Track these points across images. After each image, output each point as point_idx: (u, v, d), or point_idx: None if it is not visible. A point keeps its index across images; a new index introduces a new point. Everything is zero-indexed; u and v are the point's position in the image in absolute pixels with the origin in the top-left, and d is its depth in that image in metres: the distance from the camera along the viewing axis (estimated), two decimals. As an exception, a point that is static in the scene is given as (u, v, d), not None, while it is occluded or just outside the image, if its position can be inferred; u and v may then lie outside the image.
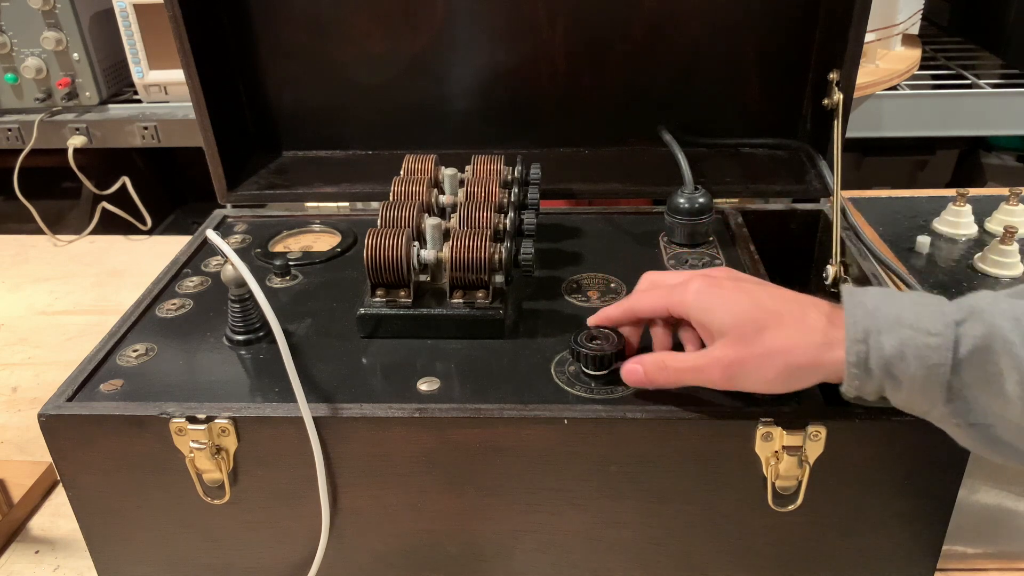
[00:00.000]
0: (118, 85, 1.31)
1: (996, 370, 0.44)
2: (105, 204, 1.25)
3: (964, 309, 0.46)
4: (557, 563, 0.59)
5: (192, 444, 0.55)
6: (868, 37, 1.01)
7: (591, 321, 0.59)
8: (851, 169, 1.38)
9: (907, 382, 0.46)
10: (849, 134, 0.82)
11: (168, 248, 0.85)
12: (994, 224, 0.76)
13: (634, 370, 0.54)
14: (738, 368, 0.50)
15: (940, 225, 0.77)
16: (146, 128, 1.24)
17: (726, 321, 0.50)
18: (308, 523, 0.58)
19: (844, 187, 0.75)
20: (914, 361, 0.45)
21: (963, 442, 0.48)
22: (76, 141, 1.25)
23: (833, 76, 0.75)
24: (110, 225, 1.26)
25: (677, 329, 0.57)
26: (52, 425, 0.56)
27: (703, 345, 0.54)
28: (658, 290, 0.56)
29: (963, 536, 0.63)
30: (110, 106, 1.27)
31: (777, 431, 0.53)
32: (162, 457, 0.56)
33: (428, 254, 0.64)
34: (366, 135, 0.92)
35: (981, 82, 1.20)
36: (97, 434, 0.56)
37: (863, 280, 0.70)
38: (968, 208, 0.76)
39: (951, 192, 0.78)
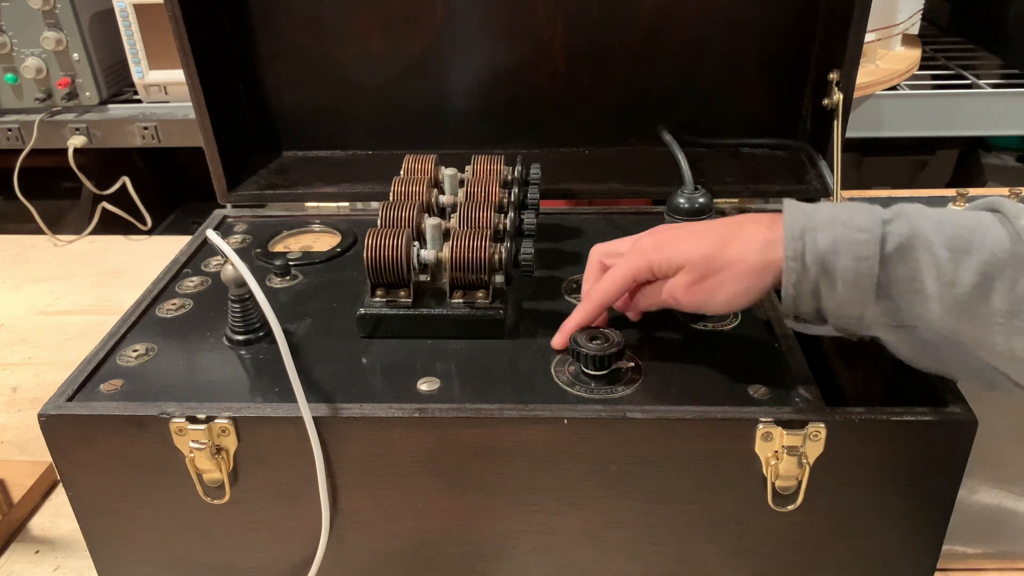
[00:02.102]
0: (118, 85, 1.31)
1: (917, 268, 0.47)
2: (105, 204, 1.25)
3: (892, 211, 0.49)
4: (557, 563, 0.59)
5: (192, 444, 0.55)
6: (868, 37, 1.01)
7: (559, 344, 0.61)
8: (851, 169, 1.38)
9: (840, 277, 0.48)
10: (849, 134, 0.82)
11: (168, 248, 0.85)
12: (994, 224, 0.75)
13: (625, 301, 0.61)
14: (699, 292, 0.54)
15: (940, 225, 0.77)
16: (146, 128, 1.24)
17: (680, 261, 0.54)
18: (308, 523, 0.58)
19: (844, 187, 0.75)
20: (846, 254, 0.48)
21: (895, 348, 0.51)
22: (76, 141, 1.25)
23: (833, 76, 0.75)
24: (110, 225, 1.26)
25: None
26: (52, 425, 0.56)
27: None
28: (615, 274, 0.58)
29: (963, 536, 0.63)
30: (110, 106, 1.27)
31: (777, 431, 0.53)
32: (162, 457, 0.56)
33: (428, 254, 0.64)
34: (366, 135, 0.92)
35: (981, 82, 1.20)
36: (97, 434, 0.56)
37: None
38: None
39: (951, 192, 0.78)
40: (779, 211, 0.52)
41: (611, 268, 0.59)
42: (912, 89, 1.18)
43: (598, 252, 0.62)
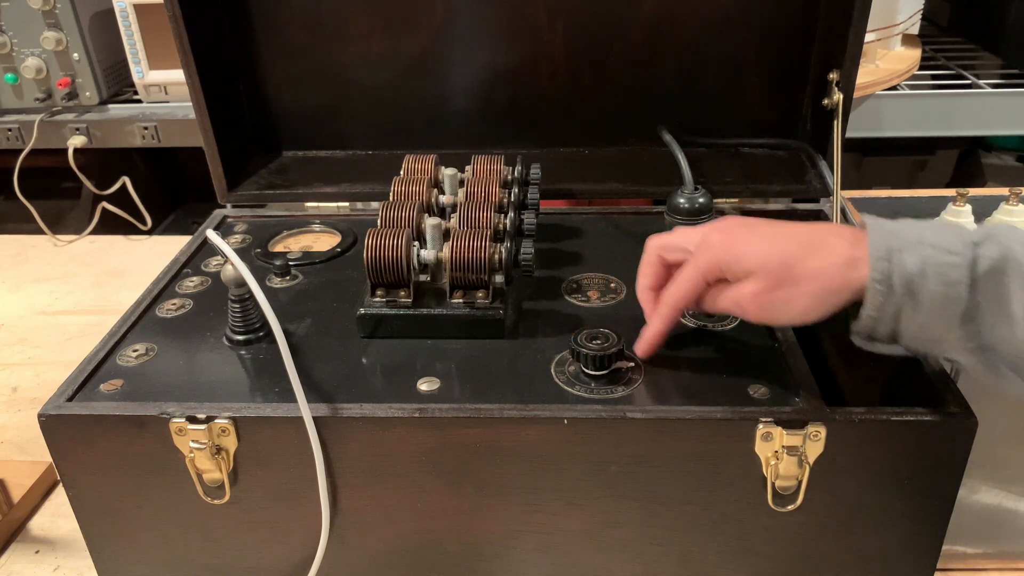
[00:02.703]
0: (118, 85, 1.31)
1: (1006, 292, 0.45)
2: (105, 204, 1.25)
3: (981, 233, 0.47)
4: (557, 563, 0.59)
5: (192, 444, 0.55)
6: (868, 37, 1.01)
7: (643, 351, 0.59)
8: (851, 169, 1.38)
9: (927, 300, 0.47)
10: (849, 134, 0.82)
11: (168, 248, 0.85)
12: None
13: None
14: (769, 302, 0.51)
15: (940, 225, 0.77)
16: (146, 128, 1.24)
17: (752, 266, 0.51)
18: (308, 523, 0.58)
19: (844, 187, 0.75)
20: (934, 278, 0.46)
21: (973, 371, 0.49)
22: (76, 141, 1.25)
23: (833, 76, 0.75)
24: (110, 225, 1.26)
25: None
26: (52, 425, 0.56)
27: None
28: (686, 278, 0.56)
29: (963, 536, 0.63)
30: (110, 106, 1.27)
31: (777, 431, 0.53)
32: (162, 457, 0.56)
33: (428, 254, 0.64)
34: (366, 135, 0.92)
35: (981, 82, 1.20)
36: (97, 434, 0.56)
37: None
38: (968, 208, 0.76)
39: (951, 192, 0.78)
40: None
41: (681, 270, 0.56)
42: (912, 89, 1.18)
43: (655, 245, 0.59)
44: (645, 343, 0.59)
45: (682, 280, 0.56)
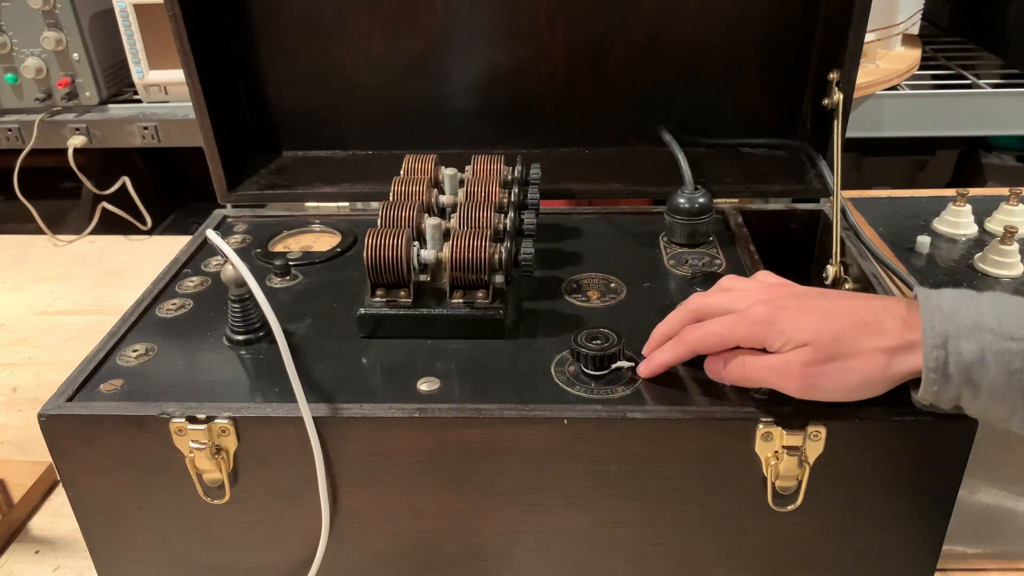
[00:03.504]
0: (118, 85, 1.31)
1: None
2: (105, 204, 1.25)
3: None
4: (557, 563, 0.59)
5: (192, 444, 0.55)
6: (868, 37, 1.01)
7: (646, 373, 0.57)
8: (851, 169, 1.38)
9: (987, 388, 0.45)
10: (849, 134, 0.82)
11: (168, 248, 0.85)
12: (994, 224, 0.76)
13: (715, 364, 0.55)
14: (817, 374, 0.49)
15: (940, 225, 0.77)
16: (146, 128, 1.24)
17: (804, 338, 0.49)
18: (308, 523, 0.58)
19: (844, 187, 0.75)
20: (995, 367, 0.45)
21: None
22: (76, 141, 1.25)
23: (833, 76, 0.75)
24: (110, 225, 1.26)
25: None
26: (52, 425, 0.56)
27: None
28: (719, 330, 0.54)
29: (963, 536, 0.63)
30: (110, 106, 1.27)
31: (777, 431, 0.53)
32: (162, 457, 0.56)
33: (428, 254, 0.64)
34: (366, 135, 0.92)
35: (981, 82, 1.20)
36: (97, 434, 0.56)
37: (863, 280, 0.70)
38: (968, 208, 0.76)
39: (951, 192, 0.78)
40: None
41: (717, 321, 0.54)
42: (912, 89, 1.18)
43: (696, 305, 0.57)
44: (652, 366, 0.57)
45: (713, 330, 0.54)
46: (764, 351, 0.52)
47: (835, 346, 0.48)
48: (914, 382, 0.49)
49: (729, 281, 0.58)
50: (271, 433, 0.56)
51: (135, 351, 0.63)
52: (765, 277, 0.58)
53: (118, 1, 1.16)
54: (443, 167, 0.75)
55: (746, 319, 0.52)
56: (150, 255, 1.19)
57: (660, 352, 0.57)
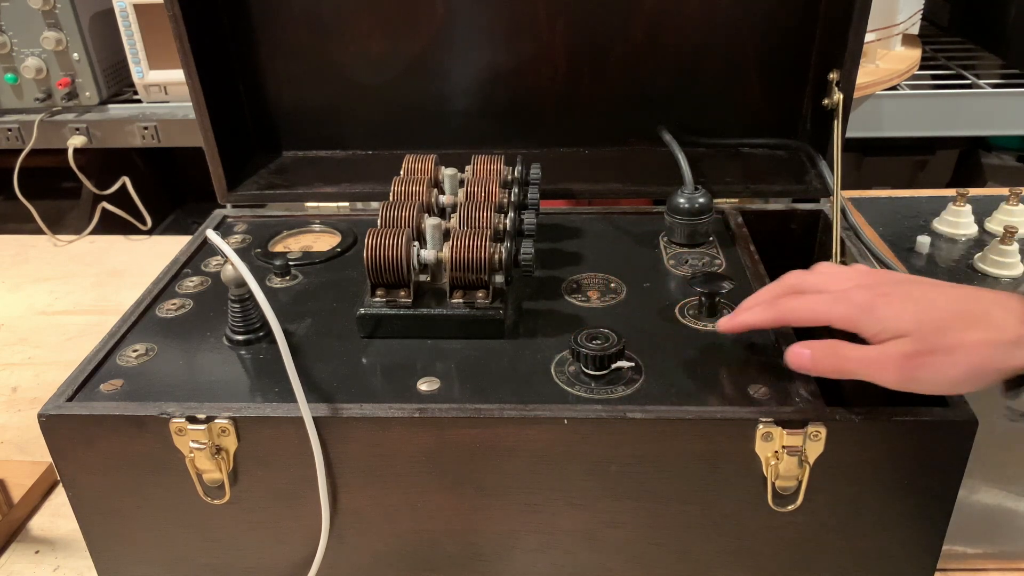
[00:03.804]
0: (118, 85, 1.31)
1: None
2: (105, 204, 1.25)
3: None
4: (557, 563, 0.59)
5: (192, 444, 0.55)
6: (868, 37, 1.01)
7: (725, 326, 0.56)
8: (851, 169, 1.38)
9: None
10: (849, 134, 0.82)
11: (168, 248, 0.85)
12: (994, 224, 0.76)
13: (800, 354, 0.52)
14: (918, 366, 0.47)
15: (940, 225, 0.77)
16: (146, 128, 1.24)
17: (904, 327, 0.48)
18: (308, 523, 0.58)
19: (844, 187, 0.75)
20: None
21: None
22: (76, 141, 1.25)
23: (833, 76, 0.75)
24: (110, 225, 1.26)
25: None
26: (52, 425, 0.56)
27: None
28: (814, 304, 0.52)
29: (963, 536, 0.63)
30: (110, 106, 1.27)
31: (777, 431, 0.53)
32: (162, 457, 0.56)
33: (428, 254, 0.64)
34: (366, 135, 0.92)
35: (981, 82, 1.20)
36: (97, 434, 0.56)
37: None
38: (968, 208, 0.76)
39: (951, 192, 0.78)
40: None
41: (814, 299, 0.52)
42: (912, 89, 1.18)
43: (793, 279, 0.55)
44: (734, 322, 0.55)
45: (810, 303, 0.52)
46: (853, 338, 0.50)
47: (937, 337, 0.46)
48: (1010, 383, 0.47)
49: (826, 266, 0.56)
50: (271, 433, 0.56)
51: (135, 351, 0.63)
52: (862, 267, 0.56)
53: (118, 1, 1.16)
54: (443, 167, 0.75)
55: (845, 299, 0.50)
56: (150, 255, 1.19)
57: (748, 312, 0.55)
